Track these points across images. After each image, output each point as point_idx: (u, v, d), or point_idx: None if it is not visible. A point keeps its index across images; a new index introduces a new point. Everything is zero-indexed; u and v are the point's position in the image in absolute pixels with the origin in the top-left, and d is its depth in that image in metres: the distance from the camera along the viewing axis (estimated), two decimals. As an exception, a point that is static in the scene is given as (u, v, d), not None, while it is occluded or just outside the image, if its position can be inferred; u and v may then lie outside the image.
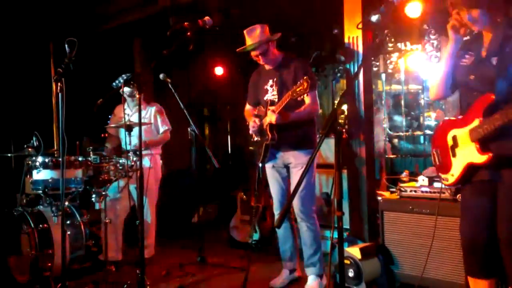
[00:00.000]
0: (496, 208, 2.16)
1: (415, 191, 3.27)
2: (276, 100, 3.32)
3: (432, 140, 2.49)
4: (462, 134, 2.20)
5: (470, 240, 2.26)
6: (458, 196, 2.91)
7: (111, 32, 5.92)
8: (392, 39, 4.73)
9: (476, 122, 2.11)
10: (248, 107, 3.70)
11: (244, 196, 4.97)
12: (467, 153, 2.17)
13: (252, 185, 4.45)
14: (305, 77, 2.92)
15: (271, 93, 3.42)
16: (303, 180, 1.99)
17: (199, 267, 4.03)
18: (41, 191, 3.62)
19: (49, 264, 3.51)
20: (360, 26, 3.49)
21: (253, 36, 3.33)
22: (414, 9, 3.76)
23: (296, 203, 3.32)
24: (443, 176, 2.33)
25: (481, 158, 2.09)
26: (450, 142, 2.28)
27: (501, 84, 2.03)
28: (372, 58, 4.63)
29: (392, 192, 3.61)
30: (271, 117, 3.19)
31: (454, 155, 2.26)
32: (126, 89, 4.08)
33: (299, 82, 2.94)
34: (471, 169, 2.17)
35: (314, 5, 5.10)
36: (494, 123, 2.00)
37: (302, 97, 3.04)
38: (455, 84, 2.34)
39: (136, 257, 3.55)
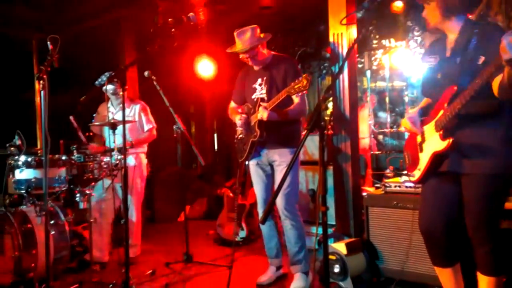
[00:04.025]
0: (459, 199, 2.24)
1: (399, 187, 3.30)
2: (266, 98, 3.32)
3: (405, 144, 2.58)
4: (429, 127, 2.28)
5: (428, 229, 2.34)
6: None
7: (96, 28, 5.86)
8: (377, 36, 4.78)
9: (441, 113, 2.19)
10: (232, 104, 3.69)
11: (231, 194, 4.97)
12: (432, 144, 2.24)
13: (237, 182, 4.45)
14: (304, 75, 2.92)
15: (259, 92, 3.41)
16: (287, 177, 1.99)
17: (185, 266, 4.01)
18: (24, 191, 3.57)
19: (33, 265, 3.47)
20: (343, 22, 3.50)
21: (243, 39, 3.31)
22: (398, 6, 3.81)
23: (280, 201, 3.31)
24: (410, 173, 2.41)
25: (442, 145, 2.16)
26: (419, 139, 2.36)
27: (464, 78, 2.10)
28: (357, 55, 4.66)
29: (377, 188, 3.64)
30: (262, 114, 3.17)
31: (421, 150, 2.33)
32: (109, 87, 4.04)
33: (297, 80, 2.93)
34: (436, 160, 2.23)
35: (300, 2, 5.12)
36: (455, 107, 2.09)
37: (293, 95, 3.04)
38: (424, 87, 2.44)
39: (121, 256, 3.53)
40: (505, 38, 1.78)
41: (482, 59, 2.06)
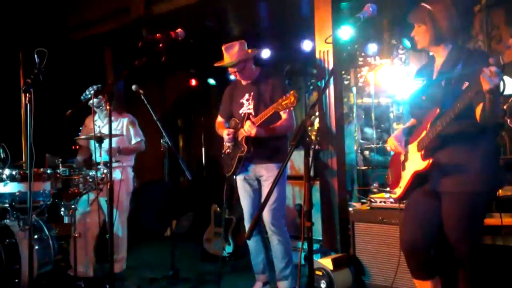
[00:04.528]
0: (439, 216, 2.29)
1: (384, 202, 3.33)
2: (253, 113, 3.34)
3: (390, 161, 2.65)
4: (412, 147, 2.34)
5: (411, 245, 2.37)
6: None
7: (83, 42, 5.86)
8: (363, 54, 4.87)
9: (423, 134, 2.25)
10: (220, 119, 3.71)
11: (218, 208, 4.95)
12: (413, 163, 2.30)
13: (224, 196, 4.44)
14: (292, 91, 2.93)
15: (246, 107, 3.43)
16: (274, 192, 2.00)
17: (171, 281, 3.97)
18: (7, 205, 3.52)
19: (16, 280, 3.40)
20: (328, 40, 3.57)
21: (231, 53, 3.35)
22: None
23: (267, 216, 3.31)
24: (392, 191, 2.47)
25: (422, 164, 2.22)
26: (402, 158, 2.42)
27: (447, 101, 2.16)
28: (343, 72, 4.74)
29: (363, 203, 3.67)
30: (250, 130, 3.17)
31: (404, 169, 2.39)
32: (94, 100, 4.03)
33: (285, 96, 2.94)
34: (417, 179, 2.29)
35: (287, 19, 5.20)
36: (436, 129, 2.15)
37: (280, 111, 3.07)
38: (411, 108, 2.51)
39: (106, 272, 3.48)
40: (486, 68, 1.82)
41: (465, 84, 2.12)
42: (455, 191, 2.20)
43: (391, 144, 2.44)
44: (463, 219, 2.21)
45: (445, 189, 2.23)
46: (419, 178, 2.27)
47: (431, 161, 2.18)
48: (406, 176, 2.34)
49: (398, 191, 2.39)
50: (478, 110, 2.06)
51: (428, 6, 2.24)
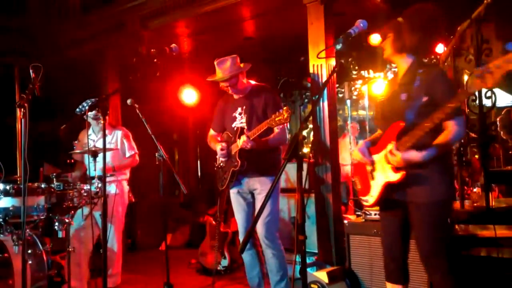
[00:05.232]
0: (407, 224, 2.41)
1: (379, 214, 3.33)
2: (246, 127, 3.35)
3: (353, 170, 2.73)
4: (379, 158, 2.40)
5: (389, 251, 2.49)
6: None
7: (79, 57, 5.90)
8: (356, 67, 4.93)
9: (390, 146, 2.31)
10: (212, 132, 3.71)
11: (213, 222, 4.94)
12: (384, 174, 2.36)
13: (219, 210, 4.44)
14: (285, 108, 2.96)
15: (239, 121, 3.44)
16: (267, 206, 2.01)
17: (166, 296, 3.94)
18: (1, 219, 3.50)
19: (9, 296, 3.38)
20: (320, 55, 3.62)
21: (223, 68, 3.36)
22: (376, 39, 3.97)
23: (260, 230, 3.31)
24: (363, 198, 2.53)
25: (396, 176, 2.30)
26: (369, 167, 2.48)
27: (409, 115, 2.28)
28: (337, 85, 4.77)
29: (358, 216, 3.67)
30: (245, 143, 3.17)
31: (373, 178, 2.45)
32: (90, 112, 4.04)
33: (278, 112, 2.96)
34: (388, 189, 2.37)
35: (282, 34, 5.27)
36: (405, 144, 2.23)
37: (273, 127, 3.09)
38: (376, 119, 2.63)
39: (100, 286, 3.46)
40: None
41: (425, 98, 2.25)
42: (418, 202, 2.29)
43: (357, 156, 2.53)
44: (428, 228, 2.29)
45: (409, 199, 2.32)
46: (389, 188, 2.36)
47: (404, 173, 2.26)
48: (377, 186, 2.41)
49: (370, 199, 2.47)
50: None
51: (400, 19, 2.37)
